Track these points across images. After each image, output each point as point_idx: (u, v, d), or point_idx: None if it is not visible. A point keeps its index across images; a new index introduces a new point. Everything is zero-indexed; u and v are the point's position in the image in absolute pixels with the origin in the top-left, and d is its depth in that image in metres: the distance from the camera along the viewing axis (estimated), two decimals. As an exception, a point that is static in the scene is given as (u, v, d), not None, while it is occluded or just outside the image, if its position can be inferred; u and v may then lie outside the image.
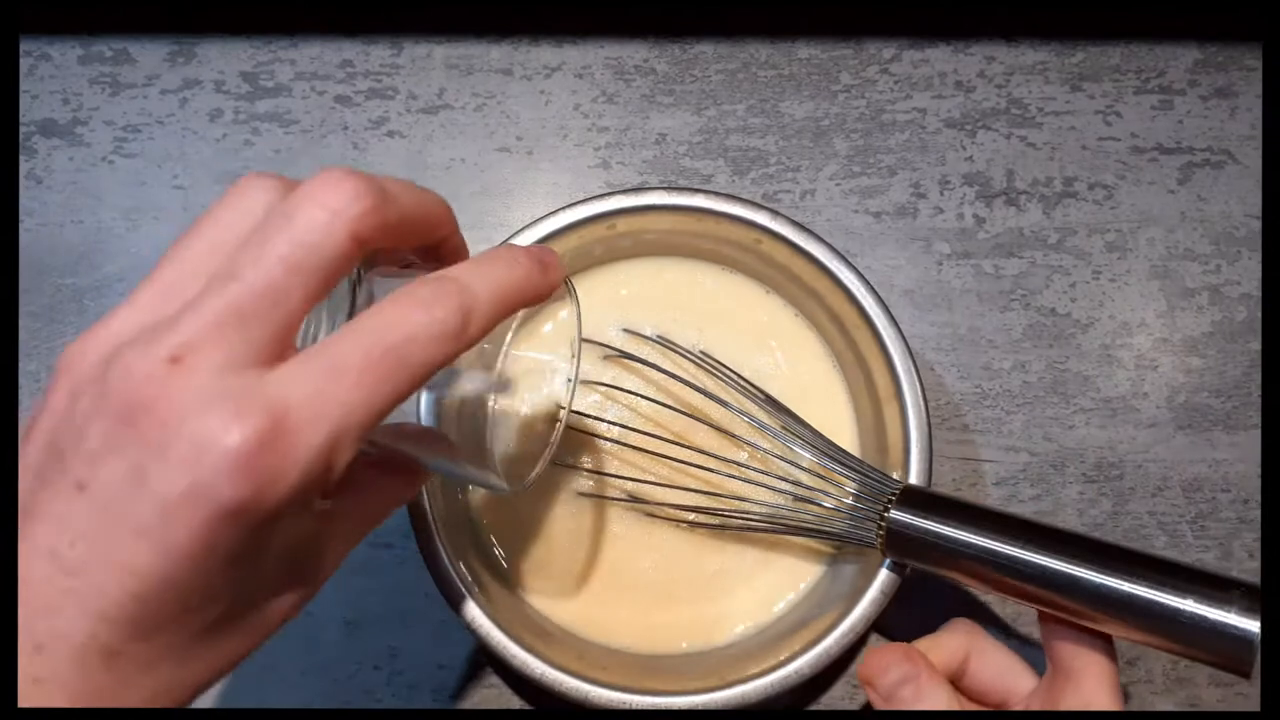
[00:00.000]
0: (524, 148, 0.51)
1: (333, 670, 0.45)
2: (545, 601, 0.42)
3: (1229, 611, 0.30)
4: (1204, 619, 0.30)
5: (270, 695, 0.45)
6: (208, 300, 0.23)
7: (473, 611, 0.38)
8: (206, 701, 0.45)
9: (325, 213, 0.23)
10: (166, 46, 0.52)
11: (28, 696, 0.22)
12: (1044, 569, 0.33)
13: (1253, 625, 0.30)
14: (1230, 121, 0.51)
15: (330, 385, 0.23)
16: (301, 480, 0.23)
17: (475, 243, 0.49)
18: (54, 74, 0.51)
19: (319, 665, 0.45)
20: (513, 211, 0.50)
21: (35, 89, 0.51)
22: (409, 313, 0.24)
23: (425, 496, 0.39)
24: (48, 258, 0.49)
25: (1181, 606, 0.31)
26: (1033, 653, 0.44)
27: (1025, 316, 0.49)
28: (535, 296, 0.28)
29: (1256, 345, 0.48)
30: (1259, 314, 0.48)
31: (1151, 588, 0.31)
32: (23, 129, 0.51)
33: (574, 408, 0.41)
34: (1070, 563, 0.32)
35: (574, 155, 0.51)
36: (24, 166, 0.50)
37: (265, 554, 0.24)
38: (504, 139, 0.51)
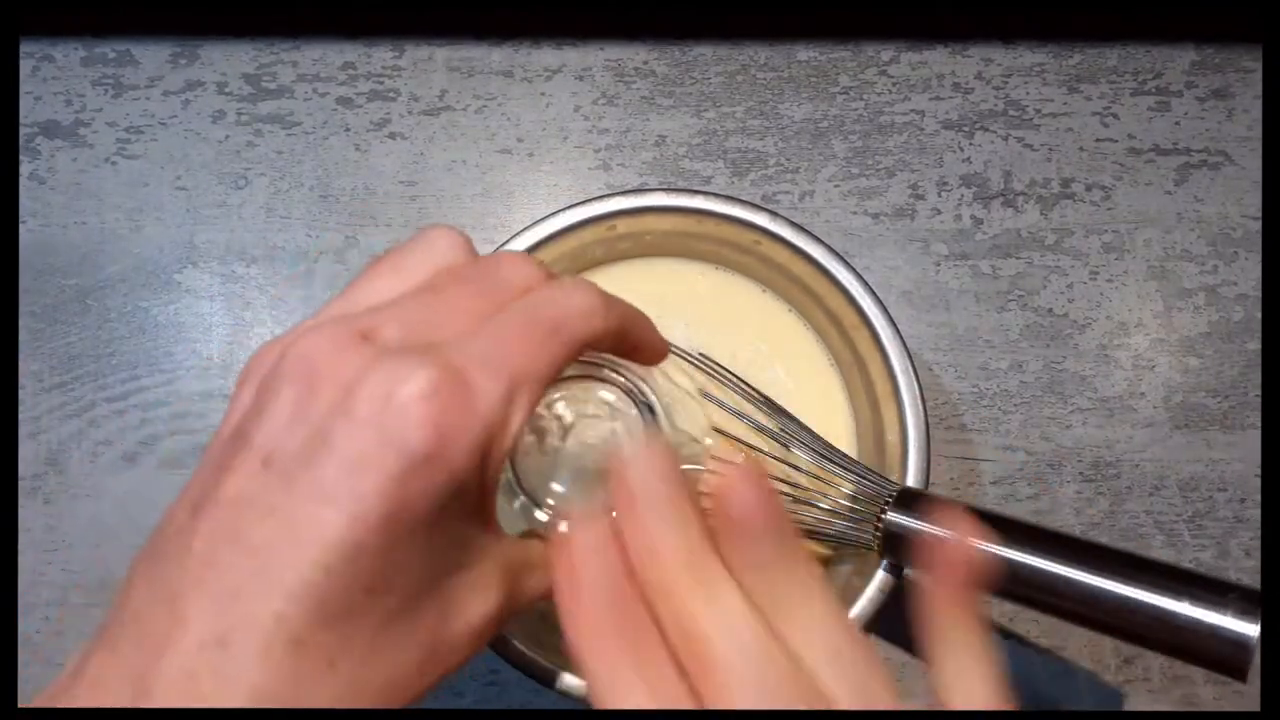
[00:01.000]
0: (525, 149, 0.51)
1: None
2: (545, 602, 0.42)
3: (1225, 614, 0.30)
4: (1199, 622, 0.30)
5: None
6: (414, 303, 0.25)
7: None
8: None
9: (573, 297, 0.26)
10: (169, 48, 0.52)
11: (203, 696, 0.20)
12: (1040, 571, 0.33)
13: (1248, 629, 0.30)
14: (1227, 123, 0.51)
15: (501, 345, 0.24)
16: (484, 430, 0.22)
17: (477, 244, 0.50)
18: (57, 75, 0.52)
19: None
20: (514, 213, 0.50)
21: (38, 90, 0.51)
22: (557, 294, 0.26)
23: None
24: (51, 258, 0.50)
25: (1177, 609, 0.31)
26: (1024, 649, 0.45)
27: (1022, 317, 0.49)
28: (652, 341, 0.29)
29: (1253, 345, 0.48)
30: (1256, 314, 0.49)
31: (1147, 590, 0.31)
32: (26, 130, 0.51)
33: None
34: (1066, 565, 0.32)
35: (574, 157, 0.51)
36: (27, 167, 0.50)
37: (443, 534, 0.23)
38: (505, 141, 0.51)
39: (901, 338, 0.40)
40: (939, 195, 0.50)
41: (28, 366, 0.48)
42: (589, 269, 0.45)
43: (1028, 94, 0.51)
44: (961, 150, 0.51)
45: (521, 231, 0.42)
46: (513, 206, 0.50)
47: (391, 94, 0.52)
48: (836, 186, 0.50)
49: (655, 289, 0.45)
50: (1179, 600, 0.31)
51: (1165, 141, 0.51)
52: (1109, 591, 0.32)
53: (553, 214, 0.42)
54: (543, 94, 0.52)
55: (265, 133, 0.51)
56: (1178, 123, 0.51)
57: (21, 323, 0.49)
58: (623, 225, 0.43)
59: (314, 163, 0.51)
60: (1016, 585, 0.33)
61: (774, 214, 0.42)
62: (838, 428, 0.44)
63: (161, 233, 0.50)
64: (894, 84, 0.52)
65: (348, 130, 0.51)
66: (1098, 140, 0.51)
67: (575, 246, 0.43)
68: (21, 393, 0.48)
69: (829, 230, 0.50)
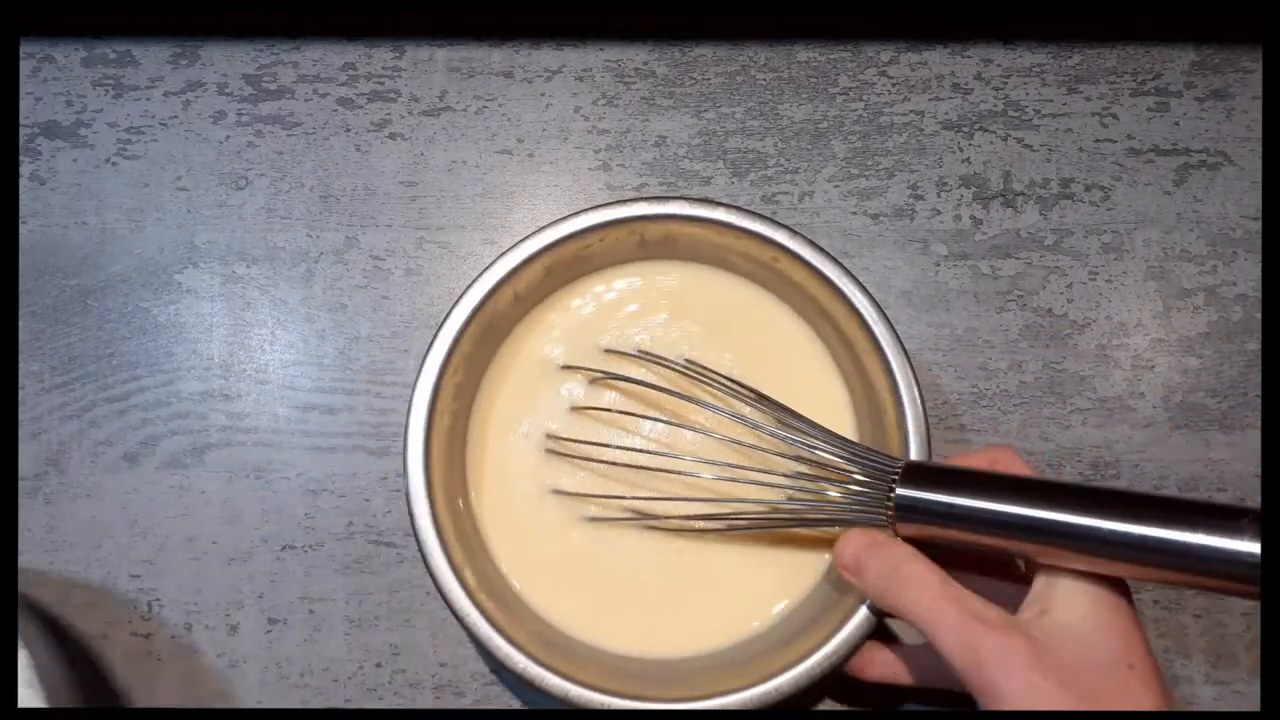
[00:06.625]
0: (525, 150, 0.51)
1: (334, 669, 0.45)
2: (543, 603, 0.42)
3: (1240, 539, 0.30)
4: (1215, 550, 0.30)
5: (272, 694, 0.45)
6: None
7: (469, 611, 0.38)
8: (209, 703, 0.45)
9: None
10: (170, 49, 0.52)
11: None
12: (1058, 524, 0.33)
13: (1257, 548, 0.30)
14: (1226, 123, 0.51)
15: None
16: None
17: (477, 244, 0.50)
18: (57, 76, 0.52)
19: (320, 663, 0.45)
20: (514, 213, 0.50)
21: (39, 91, 0.51)
22: None
23: (425, 500, 0.39)
24: (51, 259, 0.50)
25: (1192, 541, 0.31)
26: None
27: (1022, 317, 0.49)
28: None
29: (1252, 345, 0.49)
30: (1255, 314, 0.49)
31: (1161, 527, 0.31)
32: (26, 131, 0.51)
33: (567, 435, 0.43)
34: (1082, 514, 0.32)
35: (574, 157, 0.51)
36: (27, 168, 0.51)
37: None
38: (505, 141, 0.51)
39: (913, 368, 0.40)
40: (938, 196, 0.50)
41: (28, 367, 0.48)
42: (602, 268, 0.45)
43: (1027, 94, 0.52)
44: (961, 151, 0.51)
45: (538, 231, 0.42)
46: (513, 207, 0.50)
47: (392, 94, 0.52)
48: (836, 187, 0.50)
49: (671, 292, 0.45)
50: (1193, 532, 0.31)
51: (1164, 142, 0.51)
52: (1124, 534, 0.32)
53: (572, 215, 0.42)
54: (543, 94, 0.52)
55: (266, 133, 0.51)
56: (1177, 123, 0.51)
57: (22, 323, 0.49)
58: (644, 230, 0.42)
59: (314, 163, 0.51)
60: (1035, 541, 0.33)
61: (793, 232, 0.41)
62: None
63: (162, 233, 0.50)
64: (893, 84, 0.52)
65: (348, 131, 0.51)
66: (1097, 141, 0.51)
67: (594, 248, 0.43)
68: (22, 393, 0.48)
69: (828, 230, 0.50)
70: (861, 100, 0.52)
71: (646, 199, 0.42)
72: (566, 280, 0.45)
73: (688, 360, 0.43)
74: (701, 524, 0.42)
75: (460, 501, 0.42)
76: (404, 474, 0.39)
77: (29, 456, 0.47)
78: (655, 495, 0.42)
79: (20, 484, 0.47)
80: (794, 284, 0.43)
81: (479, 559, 0.42)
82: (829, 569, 0.42)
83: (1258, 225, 0.50)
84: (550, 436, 0.43)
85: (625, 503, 0.42)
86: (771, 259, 0.42)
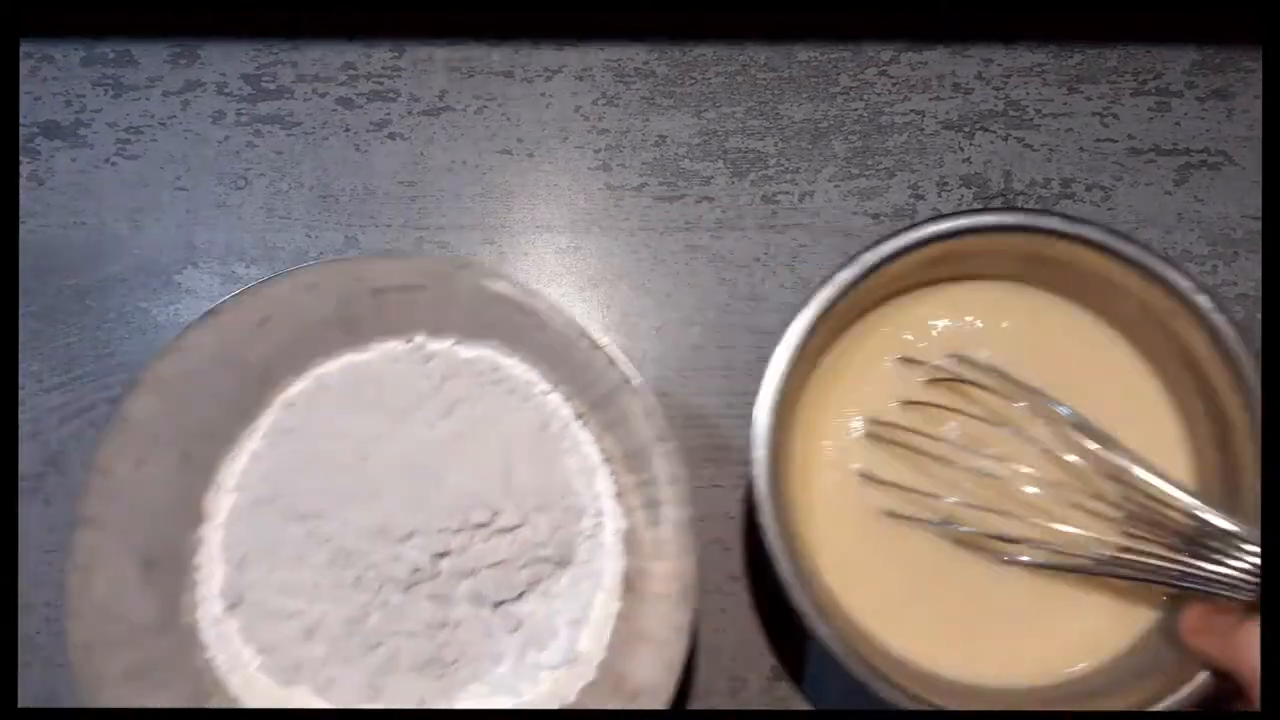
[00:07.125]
0: (525, 150, 0.51)
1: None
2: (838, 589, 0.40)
3: None
4: None
5: None
6: None
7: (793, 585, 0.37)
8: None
9: None
10: (169, 48, 0.52)
11: None
12: None
13: None
14: (1227, 123, 0.51)
15: None
16: None
17: (477, 243, 0.50)
18: (57, 75, 0.52)
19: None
20: (514, 213, 0.50)
21: (38, 90, 0.51)
22: None
23: (766, 479, 0.37)
24: (50, 258, 0.50)
25: None
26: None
27: (1023, 317, 0.49)
28: None
29: (1253, 346, 0.48)
30: (1256, 315, 0.49)
31: None
32: (25, 130, 0.51)
33: (900, 422, 0.41)
34: None
35: (574, 157, 0.51)
36: (26, 168, 0.50)
37: None
38: (505, 141, 0.51)
39: None
40: (939, 195, 0.50)
41: (27, 367, 0.48)
42: (978, 278, 0.43)
43: (1028, 94, 0.51)
44: (961, 150, 0.51)
45: (899, 233, 0.39)
46: (513, 207, 0.50)
47: (391, 94, 0.52)
48: (837, 187, 0.50)
49: (1031, 319, 0.43)
50: None
51: (1165, 142, 0.51)
52: None
53: (972, 211, 0.40)
54: (543, 94, 0.52)
55: (265, 133, 0.51)
56: (1178, 123, 0.51)
57: (21, 323, 0.49)
58: (1041, 246, 0.41)
59: (314, 163, 0.51)
60: None
61: (1212, 294, 0.38)
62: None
63: (161, 233, 0.50)
64: (894, 84, 0.52)
65: (347, 130, 0.51)
66: (1098, 140, 0.51)
67: (981, 253, 0.41)
68: (21, 393, 0.48)
69: (829, 231, 0.50)
70: (862, 100, 0.51)
71: (1060, 216, 0.40)
72: (934, 280, 0.43)
73: (1035, 388, 0.40)
74: (1025, 553, 0.39)
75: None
76: (751, 440, 0.38)
77: (28, 456, 0.47)
78: (979, 504, 0.39)
79: (20, 484, 0.47)
80: (1180, 343, 0.40)
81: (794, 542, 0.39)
82: (1162, 619, 0.39)
83: (1258, 225, 0.50)
84: (875, 422, 0.41)
85: (940, 504, 0.40)
86: (1167, 311, 0.39)
